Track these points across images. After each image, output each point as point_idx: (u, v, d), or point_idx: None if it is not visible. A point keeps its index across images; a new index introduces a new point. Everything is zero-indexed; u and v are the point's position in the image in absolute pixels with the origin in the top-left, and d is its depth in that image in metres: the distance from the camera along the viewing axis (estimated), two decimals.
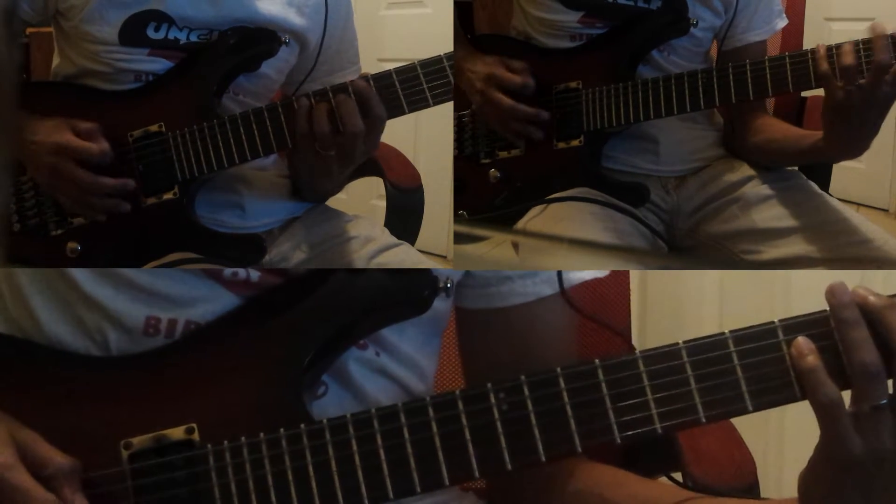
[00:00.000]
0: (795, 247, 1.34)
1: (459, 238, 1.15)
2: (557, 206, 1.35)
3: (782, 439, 2.10)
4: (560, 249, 1.14)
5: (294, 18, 1.28)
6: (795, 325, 0.81)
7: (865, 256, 1.31)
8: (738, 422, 1.14)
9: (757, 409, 0.81)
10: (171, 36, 1.22)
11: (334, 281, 0.88)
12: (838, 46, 1.21)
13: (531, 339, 1.01)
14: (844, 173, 1.63)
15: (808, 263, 1.33)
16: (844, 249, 1.32)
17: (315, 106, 1.15)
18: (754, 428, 1.23)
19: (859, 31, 1.23)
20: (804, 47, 1.64)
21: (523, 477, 1.01)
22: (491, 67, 1.36)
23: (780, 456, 2.07)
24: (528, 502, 1.02)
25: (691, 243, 1.43)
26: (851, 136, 1.27)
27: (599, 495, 0.97)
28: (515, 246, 1.27)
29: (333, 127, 1.14)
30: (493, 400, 0.81)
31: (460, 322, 1.05)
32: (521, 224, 1.36)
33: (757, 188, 1.41)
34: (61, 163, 1.17)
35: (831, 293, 0.80)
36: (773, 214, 1.38)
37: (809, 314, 0.82)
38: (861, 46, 1.20)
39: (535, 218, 1.35)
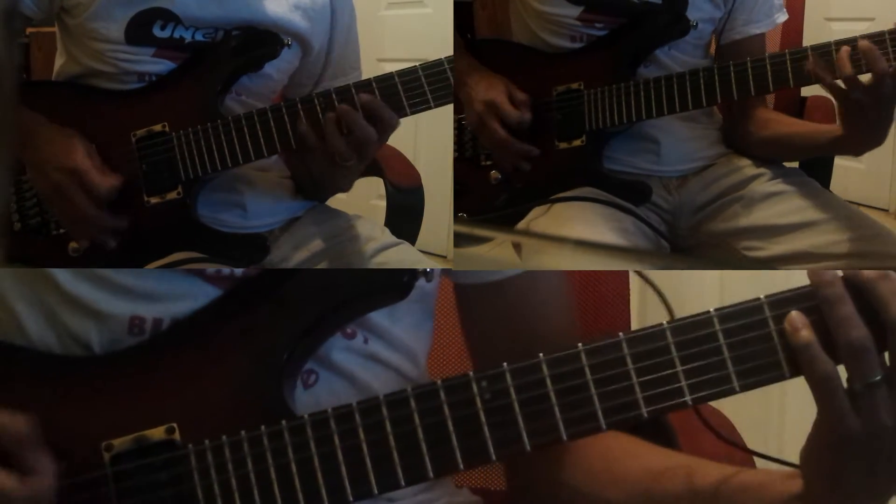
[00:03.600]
0: (800, 243, 1.35)
1: (461, 240, 1.14)
2: (563, 206, 1.35)
3: (782, 438, 2.11)
4: (564, 250, 1.14)
5: (299, 21, 1.28)
6: (783, 301, 0.79)
7: (871, 252, 1.31)
8: (738, 421, 1.14)
9: (744, 389, 0.79)
10: (176, 35, 1.21)
11: (312, 272, 0.87)
12: (837, 51, 1.22)
13: (528, 309, 1.00)
14: (844, 173, 1.64)
15: (814, 259, 1.33)
16: (850, 245, 1.32)
17: (325, 119, 1.16)
18: (754, 427, 1.23)
19: (859, 30, 1.24)
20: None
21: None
22: (493, 94, 1.36)
23: (780, 455, 2.08)
24: (539, 474, 1.01)
25: (693, 242, 1.44)
26: (871, 128, 1.29)
27: (608, 470, 0.96)
28: (516, 246, 1.27)
29: (346, 137, 1.16)
30: (475, 389, 0.79)
31: (459, 299, 1.05)
32: (523, 224, 1.36)
33: (761, 186, 1.42)
34: (68, 184, 1.16)
35: (813, 272, 0.78)
36: (776, 211, 1.39)
37: (796, 288, 0.79)
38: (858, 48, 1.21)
39: (540, 218, 1.36)
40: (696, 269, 2.15)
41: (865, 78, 1.24)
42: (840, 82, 1.24)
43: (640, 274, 1.01)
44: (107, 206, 1.18)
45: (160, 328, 0.88)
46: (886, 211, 2.63)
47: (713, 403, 0.84)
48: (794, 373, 0.79)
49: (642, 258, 1.21)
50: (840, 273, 0.79)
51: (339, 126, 1.16)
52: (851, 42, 1.22)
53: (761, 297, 0.79)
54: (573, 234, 1.29)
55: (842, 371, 0.78)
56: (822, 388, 0.77)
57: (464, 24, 1.46)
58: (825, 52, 1.24)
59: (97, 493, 0.81)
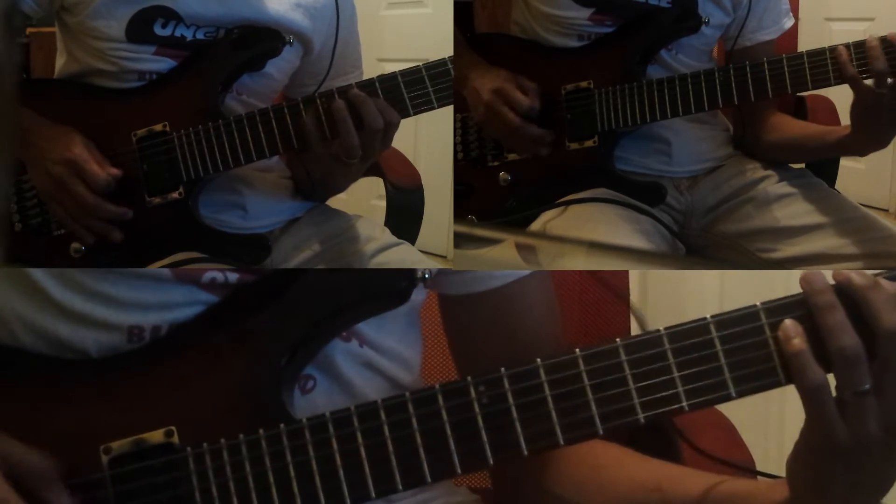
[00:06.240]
0: (814, 244, 1.35)
1: (464, 241, 1.14)
2: (579, 208, 1.34)
3: (782, 439, 2.11)
4: (578, 252, 1.13)
5: (301, 20, 1.27)
6: (779, 308, 0.79)
7: (885, 252, 1.31)
8: (738, 422, 1.14)
9: (740, 395, 0.79)
10: (177, 33, 1.21)
11: (310, 276, 0.86)
12: (863, 46, 1.22)
13: (513, 320, 1.00)
14: (844, 173, 1.64)
15: (827, 260, 1.33)
16: (864, 245, 1.33)
17: (335, 108, 1.16)
18: (754, 428, 1.23)
19: (859, 30, 1.25)
20: (800, 47, 1.65)
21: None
22: (500, 82, 1.34)
23: (780, 456, 2.07)
24: (525, 482, 1.01)
25: (704, 243, 1.43)
26: (881, 130, 1.30)
27: (595, 479, 0.96)
28: (520, 247, 1.27)
29: (356, 131, 1.15)
30: (473, 394, 0.79)
31: (443, 309, 1.04)
32: (538, 225, 1.35)
33: (772, 187, 1.42)
34: (67, 176, 1.15)
35: (805, 280, 0.78)
36: (789, 212, 1.39)
37: (793, 295, 0.79)
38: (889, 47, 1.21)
39: (556, 219, 1.34)
40: (711, 269, 2.15)
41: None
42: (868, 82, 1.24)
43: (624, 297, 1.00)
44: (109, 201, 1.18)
45: (159, 335, 0.87)
46: (886, 211, 2.63)
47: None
48: (790, 379, 0.79)
49: (661, 260, 1.21)
50: (832, 280, 0.79)
51: (353, 119, 1.15)
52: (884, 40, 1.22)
53: (758, 303, 0.79)
54: (593, 236, 1.28)
55: (832, 379, 0.78)
56: (811, 398, 0.77)
57: (463, 23, 1.45)
58: (850, 56, 1.24)
59: (96, 496, 0.80)
